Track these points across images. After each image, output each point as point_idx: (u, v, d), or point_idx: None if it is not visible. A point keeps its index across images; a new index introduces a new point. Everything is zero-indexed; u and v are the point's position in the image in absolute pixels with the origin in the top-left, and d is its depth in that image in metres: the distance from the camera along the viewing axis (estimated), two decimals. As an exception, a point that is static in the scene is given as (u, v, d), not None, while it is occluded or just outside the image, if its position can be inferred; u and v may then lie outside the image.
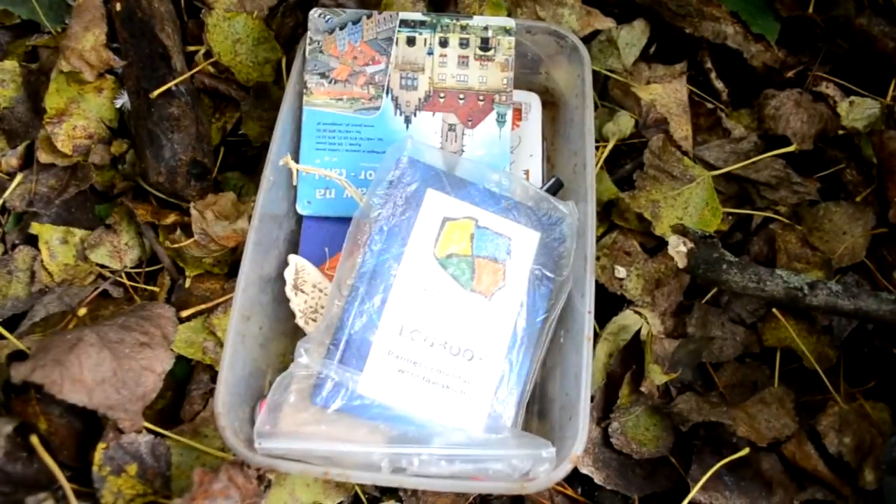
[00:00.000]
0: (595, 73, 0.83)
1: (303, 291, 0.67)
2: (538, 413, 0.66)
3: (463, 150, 0.72)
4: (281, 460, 0.57)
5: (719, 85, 0.85)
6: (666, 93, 0.80)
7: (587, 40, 0.84)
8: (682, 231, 0.65)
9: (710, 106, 0.83)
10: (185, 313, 0.69)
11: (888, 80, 0.81)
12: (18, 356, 0.63)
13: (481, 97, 0.73)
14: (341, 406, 0.60)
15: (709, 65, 0.85)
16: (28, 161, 0.79)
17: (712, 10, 0.83)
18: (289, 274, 0.68)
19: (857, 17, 0.82)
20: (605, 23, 0.83)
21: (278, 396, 0.60)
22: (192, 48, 0.82)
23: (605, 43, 0.84)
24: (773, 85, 0.83)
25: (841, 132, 0.79)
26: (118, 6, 0.78)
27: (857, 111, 0.79)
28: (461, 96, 0.72)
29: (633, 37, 0.84)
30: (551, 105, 0.80)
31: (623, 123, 0.80)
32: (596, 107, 0.83)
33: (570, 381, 0.61)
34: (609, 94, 0.85)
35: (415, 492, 0.63)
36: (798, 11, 0.84)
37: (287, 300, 0.68)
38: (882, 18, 0.82)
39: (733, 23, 0.83)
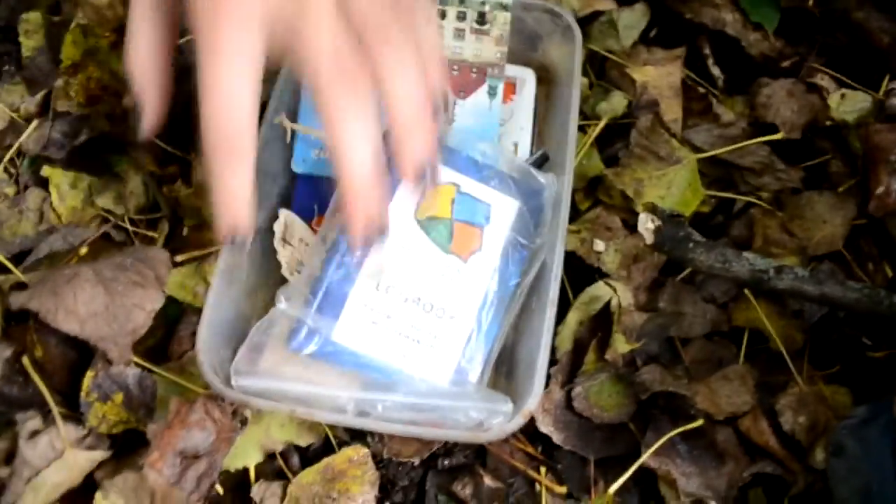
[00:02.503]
0: (594, 53, 0.86)
1: (290, 244, 0.71)
2: (506, 374, 0.69)
3: (453, 120, 0.75)
4: (254, 398, 0.61)
5: (716, 71, 0.86)
6: (659, 75, 0.82)
7: (588, 21, 0.86)
8: (651, 209, 0.67)
9: (702, 91, 0.84)
10: (179, 258, 0.73)
11: (882, 75, 0.82)
12: (20, 287, 0.67)
13: (475, 70, 0.75)
14: (314, 351, 0.63)
15: (707, 51, 0.87)
16: (45, 108, 0.83)
17: (713, -3, 0.85)
18: (278, 227, 0.71)
19: (856, 12, 0.83)
20: (606, 4, 0.85)
21: (257, 338, 0.63)
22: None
23: (606, 24, 0.86)
24: (768, 74, 0.84)
25: (829, 123, 0.80)
26: (137, -36, 0.81)
27: (849, 104, 0.80)
28: (455, 68, 0.75)
29: (633, 19, 0.86)
30: (547, 82, 0.82)
31: (616, 103, 0.82)
32: (592, 86, 0.85)
33: (533, 342, 0.64)
34: (607, 74, 0.87)
35: (381, 437, 0.66)
36: (798, 3, 0.85)
37: (275, 252, 0.71)
38: (881, 14, 0.83)
39: (733, 10, 0.85)
